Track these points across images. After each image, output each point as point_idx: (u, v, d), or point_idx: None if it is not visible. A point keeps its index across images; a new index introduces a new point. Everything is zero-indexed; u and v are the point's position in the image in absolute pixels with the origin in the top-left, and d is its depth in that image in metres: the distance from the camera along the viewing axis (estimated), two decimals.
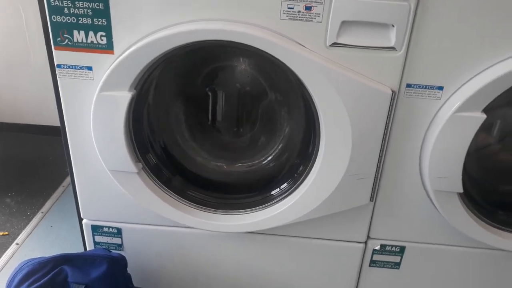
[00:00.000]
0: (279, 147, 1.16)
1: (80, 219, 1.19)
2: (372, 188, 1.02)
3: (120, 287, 1.09)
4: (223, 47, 1.01)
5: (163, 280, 1.27)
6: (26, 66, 2.19)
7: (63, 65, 0.94)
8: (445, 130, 0.92)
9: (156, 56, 0.89)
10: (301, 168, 1.07)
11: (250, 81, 1.10)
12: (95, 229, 1.19)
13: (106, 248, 1.21)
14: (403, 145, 0.99)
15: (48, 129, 2.29)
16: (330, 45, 0.87)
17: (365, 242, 1.16)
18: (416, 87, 0.92)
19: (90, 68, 0.94)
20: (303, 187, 1.04)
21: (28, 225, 1.72)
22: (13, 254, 1.58)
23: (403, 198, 1.07)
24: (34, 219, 1.75)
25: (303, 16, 0.85)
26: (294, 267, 1.22)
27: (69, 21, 0.90)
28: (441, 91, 0.92)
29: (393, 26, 0.85)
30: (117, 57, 0.91)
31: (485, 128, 0.97)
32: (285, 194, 1.08)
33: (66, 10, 0.88)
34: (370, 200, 1.04)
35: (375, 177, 1.00)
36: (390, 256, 1.18)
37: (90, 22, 0.89)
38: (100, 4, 0.87)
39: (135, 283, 1.15)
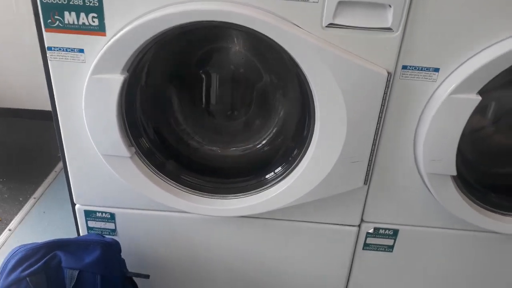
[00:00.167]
0: (274, 131, 1.16)
1: (73, 204, 1.18)
2: (366, 172, 1.02)
3: (114, 272, 1.09)
4: (217, 28, 1.00)
5: (157, 264, 1.27)
6: (17, 49, 2.16)
7: (54, 47, 0.93)
8: (440, 112, 0.92)
9: (149, 38, 0.88)
10: (295, 152, 1.07)
11: (244, 63, 1.09)
12: (88, 214, 1.18)
13: (100, 233, 1.20)
14: (398, 127, 0.99)
15: (39, 114, 2.27)
16: (326, 26, 0.86)
17: (359, 226, 1.17)
18: (412, 69, 0.92)
19: (81, 51, 0.93)
20: (297, 171, 1.04)
21: (21, 211, 1.71)
22: (5, 240, 1.57)
23: (397, 181, 1.07)
24: (26, 205, 1.75)
25: None
26: (288, 250, 1.23)
27: (60, 2, 0.88)
28: (437, 73, 0.92)
29: (390, 6, 0.84)
30: (109, 39, 0.89)
31: (479, 110, 0.97)
32: (280, 178, 1.08)
33: None
34: (364, 183, 1.04)
35: (369, 160, 1.01)
36: (383, 239, 1.18)
37: (82, 3, 0.87)
38: None
39: (129, 268, 1.14)
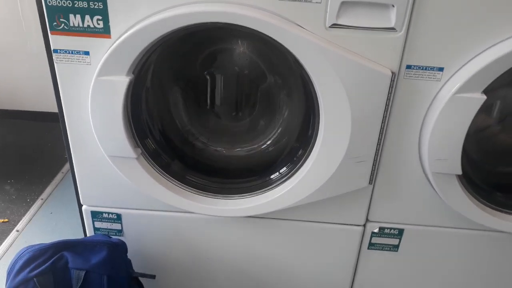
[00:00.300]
0: (279, 131, 1.16)
1: (80, 205, 1.19)
2: (371, 171, 1.02)
3: (121, 273, 1.09)
4: (221, 30, 1.00)
5: (163, 265, 1.27)
6: (23, 52, 2.17)
7: (60, 50, 0.93)
8: (445, 112, 0.92)
9: (153, 40, 0.88)
10: (300, 152, 1.07)
11: (249, 64, 1.09)
12: (95, 215, 1.19)
13: (106, 234, 1.21)
14: (403, 127, 0.99)
15: (47, 116, 2.29)
16: (329, 26, 0.87)
17: (364, 225, 1.17)
18: (416, 68, 0.92)
19: (87, 53, 0.93)
20: (302, 171, 1.04)
21: (28, 212, 1.72)
22: (13, 241, 1.59)
23: (402, 181, 1.07)
24: (34, 205, 1.76)
25: None
26: (294, 250, 1.23)
27: (65, 5, 0.88)
28: (441, 72, 0.91)
29: (393, 6, 0.84)
30: (114, 41, 0.90)
31: (484, 109, 0.96)
32: (285, 178, 1.08)
33: None
34: (369, 183, 1.04)
35: (374, 160, 1.00)
36: (388, 238, 1.18)
37: (86, 6, 0.88)
38: None
39: (135, 269, 1.15)
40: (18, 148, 2.15)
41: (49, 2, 0.88)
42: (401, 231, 1.17)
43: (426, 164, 1.00)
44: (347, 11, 0.85)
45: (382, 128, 0.96)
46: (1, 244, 1.57)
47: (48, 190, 1.85)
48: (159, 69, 1.06)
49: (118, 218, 1.19)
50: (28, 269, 1.01)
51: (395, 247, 1.20)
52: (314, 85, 0.92)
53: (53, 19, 0.90)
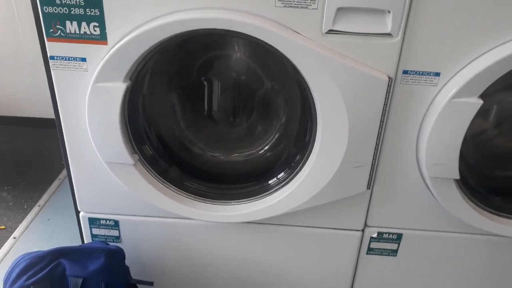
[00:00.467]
0: (276, 137, 1.16)
1: (77, 212, 1.18)
2: (369, 176, 1.02)
3: (118, 280, 1.09)
4: (218, 36, 1.01)
5: (161, 271, 1.27)
6: (20, 58, 2.17)
7: (56, 56, 0.93)
8: (442, 117, 0.92)
9: (150, 46, 0.88)
10: (298, 157, 1.07)
11: (246, 70, 1.10)
12: (92, 222, 1.19)
13: (104, 240, 1.21)
14: (400, 132, 0.99)
15: (43, 122, 2.28)
16: (326, 32, 0.87)
17: (363, 230, 1.17)
18: (413, 74, 0.92)
19: (83, 59, 0.93)
20: (300, 176, 1.04)
21: (25, 219, 1.71)
22: (10, 248, 1.58)
23: (400, 186, 1.07)
24: (31, 212, 1.75)
25: (299, 3, 0.85)
26: (292, 256, 1.23)
27: (61, 12, 0.88)
28: (437, 77, 0.92)
29: (389, 12, 0.84)
30: (111, 48, 0.90)
31: (481, 113, 0.97)
32: (282, 184, 1.08)
33: (58, 1, 0.87)
34: (367, 188, 1.04)
35: (372, 165, 1.00)
36: (387, 243, 1.18)
37: (83, 13, 0.88)
38: None
39: (133, 275, 1.14)
40: (15, 155, 2.14)
41: (46, 9, 0.88)
42: (399, 236, 1.17)
43: (423, 168, 1.00)
44: (343, 17, 0.85)
45: (379, 133, 0.96)
46: None
47: (45, 196, 1.85)
48: (156, 75, 1.06)
49: (116, 224, 1.19)
50: (25, 277, 1.01)
51: (394, 252, 1.20)
52: (311, 91, 0.92)
53: (49, 25, 0.90)
